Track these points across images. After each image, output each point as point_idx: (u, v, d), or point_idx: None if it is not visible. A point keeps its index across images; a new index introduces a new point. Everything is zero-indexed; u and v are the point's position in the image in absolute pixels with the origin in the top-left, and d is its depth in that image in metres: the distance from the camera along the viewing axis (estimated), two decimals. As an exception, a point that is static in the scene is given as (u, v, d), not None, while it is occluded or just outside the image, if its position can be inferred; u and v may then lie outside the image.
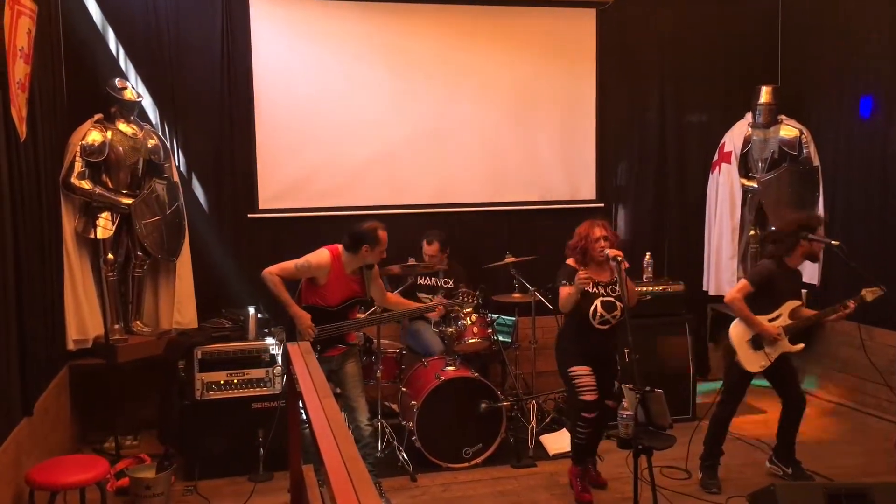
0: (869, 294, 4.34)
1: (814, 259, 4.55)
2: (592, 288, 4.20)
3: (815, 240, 4.36)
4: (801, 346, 4.41)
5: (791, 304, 4.37)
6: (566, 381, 4.30)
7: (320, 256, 4.25)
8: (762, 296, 4.34)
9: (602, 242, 4.15)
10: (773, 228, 4.55)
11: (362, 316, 4.62)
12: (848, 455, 4.88)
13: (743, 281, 4.39)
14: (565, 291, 4.19)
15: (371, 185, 5.97)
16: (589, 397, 4.12)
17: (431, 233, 5.59)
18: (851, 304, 4.33)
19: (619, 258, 4.03)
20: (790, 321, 4.34)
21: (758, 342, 4.32)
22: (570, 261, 4.29)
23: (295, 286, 4.34)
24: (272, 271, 4.24)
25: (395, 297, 4.75)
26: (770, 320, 4.33)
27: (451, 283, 5.59)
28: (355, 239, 4.23)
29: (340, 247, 4.29)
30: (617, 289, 4.18)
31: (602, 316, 4.19)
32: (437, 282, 5.61)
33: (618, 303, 4.19)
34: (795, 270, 4.45)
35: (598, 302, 4.19)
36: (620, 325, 4.20)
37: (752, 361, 4.33)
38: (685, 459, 4.57)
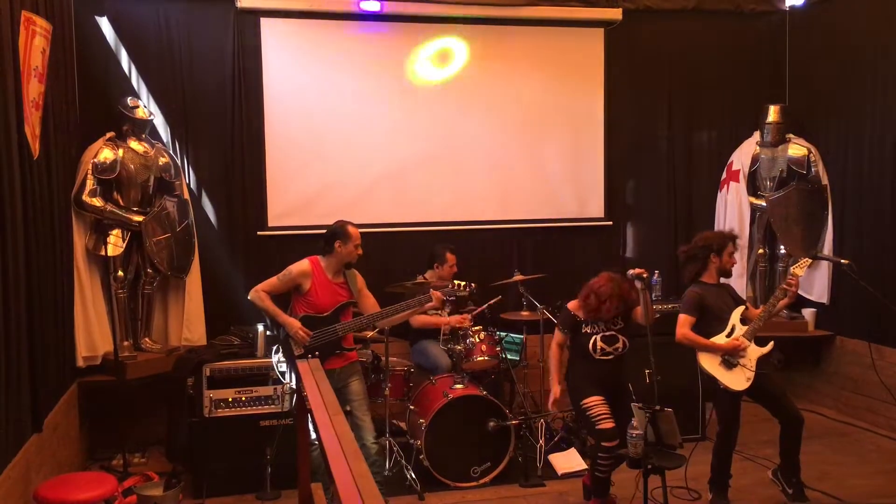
0: (799, 269, 4.34)
1: (727, 274, 4.52)
2: (588, 328, 4.28)
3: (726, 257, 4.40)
4: (772, 344, 4.35)
5: (738, 312, 4.35)
6: (581, 416, 4.28)
7: (300, 264, 4.40)
8: (705, 320, 4.33)
9: (611, 312, 4.22)
10: (684, 250, 4.51)
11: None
12: (860, 476, 4.83)
13: (681, 315, 4.37)
14: (558, 338, 4.33)
15: (380, 203, 5.99)
16: (606, 425, 4.08)
17: (447, 245, 5.62)
18: (793, 283, 4.30)
19: (644, 276, 4.08)
20: (745, 327, 4.31)
21: (729, 361, 4.28)
22: (571, 304, 4.36)
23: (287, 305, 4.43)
24: (257, 288, 4.39)
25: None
26: (726, 336, 4.31)
27: (454, 298, 5.57)
28: (327, 239, 4.39)
29: (320, 256, 4.43)
30: (620, 321, 4.26)
31: (603, 349, 4.23)
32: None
33: (620, 336, 4.25)
34: (720, 284, 4.44)
35: (595, 338, 4.25)
36: (626, 355, 4.26)
37: (736, 380, 4.26)
38: (694, 479, 4.53)
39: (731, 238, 4.48)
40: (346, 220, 4.48)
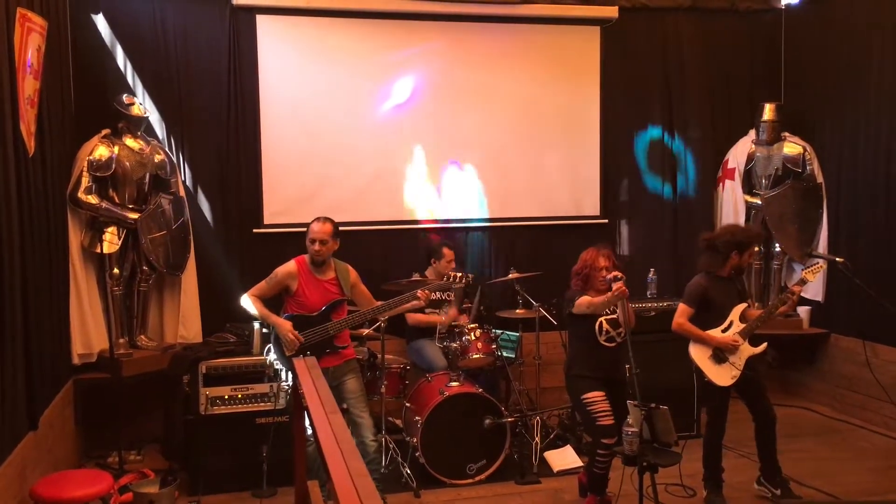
0: (810, 275, 4.35)
1: (741, 272, 4.52)
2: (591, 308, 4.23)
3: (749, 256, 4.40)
4: (765, 345, 4.38)
5: (738, 309, 4.36)
6: (581, 411, 4.27)
7: (286, 265, 4.44)
8: (705, 312, 4.34)
9: (605, 273, 4.19)
10: (707, 238, 4.47)
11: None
12: (853, 473, 4.85)
13: (681, 305, 4.39)
14: (587, 299, 4.18)
15: (376, 201, 5.99)
16: (606, 422, 4.07)
17: (445, 241, 5.63)
18: (796, 290, 4.32)
19: (620, 277, 4.06)
20: (743, 325, 4.32)
21: (719, 356, 4.30)
22: (571, 291, 4.35)
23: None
24: (247, 294, 4.41)
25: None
26: (723, 331, 4.32)
27: (451, 297, 5.59)
28: None
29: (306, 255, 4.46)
30: (617, 309, 4.21)
31: (608, 332, 4.21)
32: (440, 295, 5.60)
33: (621, 321, 4.22)
34: (729, 277, 4.43)
35: (602, 319, 4.22)
36: (629, 349, 4.21)
37: (721, 376, 4.29)
38: (689, 476, 4.55)
39: (757, 239, 4.47)
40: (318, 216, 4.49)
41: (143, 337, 5.34)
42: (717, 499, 4.36)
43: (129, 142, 5.18)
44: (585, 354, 4.27)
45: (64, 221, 4.84)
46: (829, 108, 6.19)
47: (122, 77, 5.45)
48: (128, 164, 5.14)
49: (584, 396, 4.17)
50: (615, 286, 4.01)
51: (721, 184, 6.47)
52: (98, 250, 5.00)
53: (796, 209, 6.17)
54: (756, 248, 4.45)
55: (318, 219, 4.44)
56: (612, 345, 4.23)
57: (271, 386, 4.77)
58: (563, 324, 4.75)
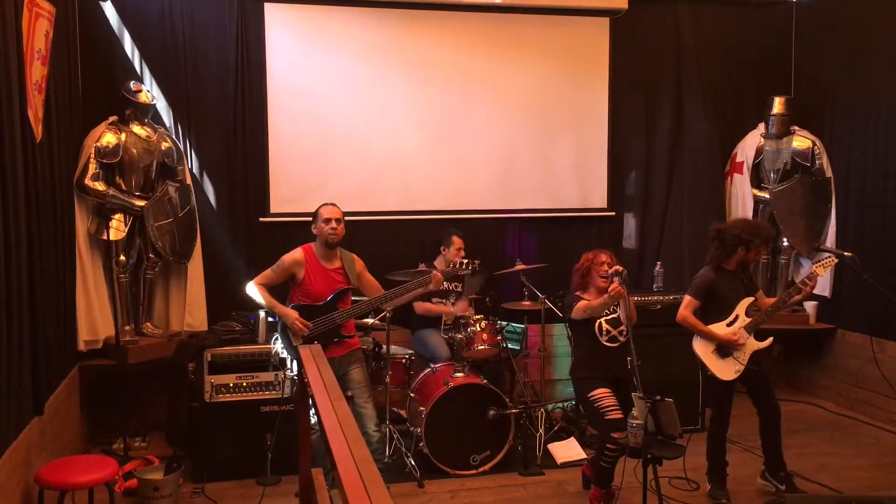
0: (821, 269, 4.32)
1: (746, 267, 4.50)
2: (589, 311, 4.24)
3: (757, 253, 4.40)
4: (770, 339, 4.36)
5: (745, 303, 4.33)
6: (589, 409, 4.26)
7: (292, 253, 4.42)
8: (711, 305, 4.32)
9: (605, 268, 4.22)
10: (717, 228, 4.43)
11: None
12: (859, 468, 4.84)
13: (686, 297, 4.37)
14: (584, 304, 4.21)
15: (383, 191, 5.98)
16: (615, 415, 4.06)
17: (453, 230, 5.63)
18: (809, 283, 4.28)
19: (622, 272, 4.06)
20: (749, 319, 4.30)
21: (723, 350, 4.29)
22: (572, 296, 4.37)
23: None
24: (253, 281, 4.40)
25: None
26: (728, 325, 4.30)
27: (460, 288, 5.59)
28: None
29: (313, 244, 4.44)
30: (617, 309, 4.22)
31: (608, 332, 4.21)
32: (448, 285, 5.60)
33: (622, 320, 4.23)
34: (735, 270, 4.41)
35: (600, 320, 4.23)
36: (630, 342, 4.21)
37: (725, 370, 4.28)
38: (693, 469, 4.54)
39: (767, 239, 4.45)
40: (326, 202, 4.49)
41: (148, 324, 5.36)
42: (720, 492, 4.35)
43: (137, 129, 5.18)
44: (589, 357, 4.29)
45: (71, 208, 4.84)
46: (839, 103, 6.15)
47: (130, 64, 5.45)
48: (135, 151, 5.14)
49: (591, 394, 4.17)
50: (612, 286, 4.04)
51: (729, 177, 6.44)
52: (104, 237, 5.01)
53: (805, 204, 6.14)
54: (766, 248, 4.40)
55: (325, 203, 4.45)
56: (615, 345, 4.24)
57: (276, 374, 4.78)
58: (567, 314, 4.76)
